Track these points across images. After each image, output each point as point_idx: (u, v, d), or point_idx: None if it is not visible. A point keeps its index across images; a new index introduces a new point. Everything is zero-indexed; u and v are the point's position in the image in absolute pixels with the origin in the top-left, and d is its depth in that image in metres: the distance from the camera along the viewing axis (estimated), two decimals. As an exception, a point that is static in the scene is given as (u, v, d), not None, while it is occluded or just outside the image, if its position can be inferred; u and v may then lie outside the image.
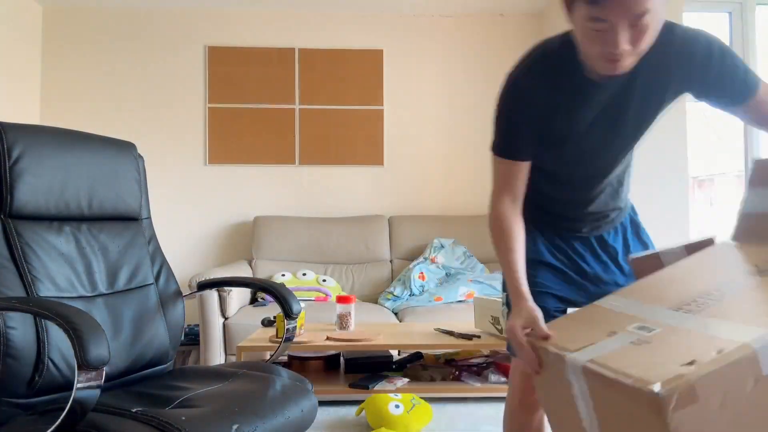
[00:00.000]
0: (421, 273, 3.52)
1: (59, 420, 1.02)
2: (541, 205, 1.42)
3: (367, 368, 2.74)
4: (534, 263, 1.36)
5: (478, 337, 2.54)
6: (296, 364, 2.77)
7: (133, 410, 1.16)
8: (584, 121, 1.25)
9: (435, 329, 2.70)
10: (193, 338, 3.32)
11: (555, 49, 1.22)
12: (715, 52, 1.21)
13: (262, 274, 3.64)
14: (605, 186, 1.38)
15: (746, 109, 1.24)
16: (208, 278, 2.32)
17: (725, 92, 1.24)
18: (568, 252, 1.43)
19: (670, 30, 1.22)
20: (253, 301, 3.41)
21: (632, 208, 1.53)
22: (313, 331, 2.60)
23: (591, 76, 1.19)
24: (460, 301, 3.34)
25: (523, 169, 1.29)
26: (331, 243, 3.77)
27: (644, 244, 1.48)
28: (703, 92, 1.25)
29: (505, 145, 1.29)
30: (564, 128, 1.26)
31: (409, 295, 3.44)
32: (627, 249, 1.44)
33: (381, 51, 4.07)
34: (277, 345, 1.76)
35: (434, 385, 2.62)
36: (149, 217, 1.72)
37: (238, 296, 3.20)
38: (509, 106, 1.27)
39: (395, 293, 3.46)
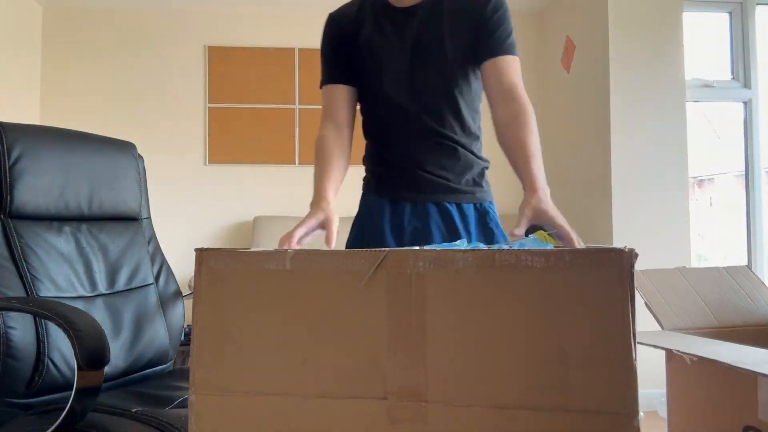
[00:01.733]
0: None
1: (59, 420, 1.02)
2: (381, 159, 1.44)
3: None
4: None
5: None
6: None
7: (133, 410, 1.16)
8: (397, 44, 1.34)
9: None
10: (193, 338, 3.32)
11: None
12: (492, 4, 1.35)
13: (262, 274, 3.63)
14: (433, 134, 1.35)
15: (485, 70, 1.33)
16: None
17: (484, 43, 1.33)
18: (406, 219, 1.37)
19: None
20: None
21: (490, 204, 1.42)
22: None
23: (397, 4, 1.34)
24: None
25: (342, 93, 1.38)
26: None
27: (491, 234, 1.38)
28: (474, 40, 1.34)
29: (323, 75, 1.41)
30: (379, 51, 1.35)
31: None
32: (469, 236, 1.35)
33: (381, 51, 4.07)
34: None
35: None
36: (149, 217, 1.72)
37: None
38: (324, 38, 1.43)
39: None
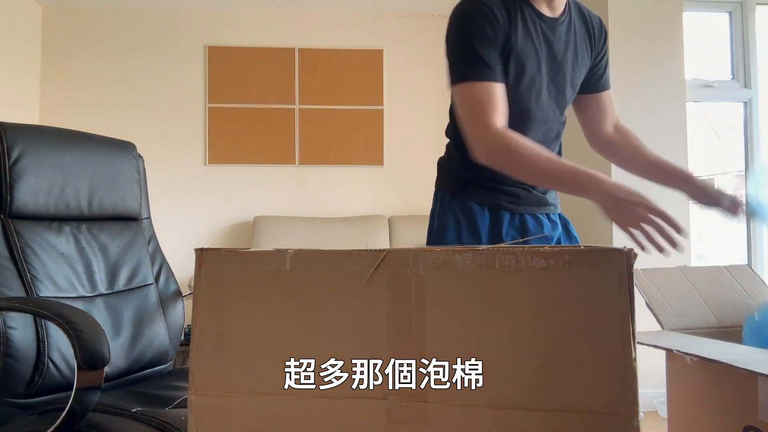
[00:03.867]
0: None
1: (59, 420, 1.02)
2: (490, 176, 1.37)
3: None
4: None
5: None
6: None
7: (133, 410, 1.16)
8: (534, 54, 1.29)
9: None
10: (193, 338, 3.32)
11: None
12: (607, 35, 1.42)
13: (262, 274, 3.63)
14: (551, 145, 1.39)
15: (591, 102, 1.44)
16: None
17: (596, 76, 1.43)
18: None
19: (579, 4, 1.41)
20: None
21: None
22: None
23: (539, 7, 1.30)
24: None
25: (500, 91, 1.23)
26: (331, 243, 3.77)
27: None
28: (591, 65, 1.41)
29: (481, 69, 1.23)
30: (521, 57, 1.27)
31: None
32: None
33: (381, 51, 4.07)
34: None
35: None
36: (149, 217, 1.72)
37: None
38: (481, 31, 1.24)
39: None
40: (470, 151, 1.26)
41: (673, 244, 1.04)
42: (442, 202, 1.40)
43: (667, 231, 1.04)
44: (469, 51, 1.24)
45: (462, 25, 1.27)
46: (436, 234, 1.39)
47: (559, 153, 1.45)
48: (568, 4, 1.34)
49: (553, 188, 1.39)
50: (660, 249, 1.05)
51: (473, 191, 1.36)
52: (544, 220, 1.40)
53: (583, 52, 1.37)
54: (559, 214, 1.46)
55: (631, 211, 1.06)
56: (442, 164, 1.49)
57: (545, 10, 1.30)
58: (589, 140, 1.54)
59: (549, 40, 1.31)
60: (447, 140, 1.50)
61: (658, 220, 1.05)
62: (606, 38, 1.42)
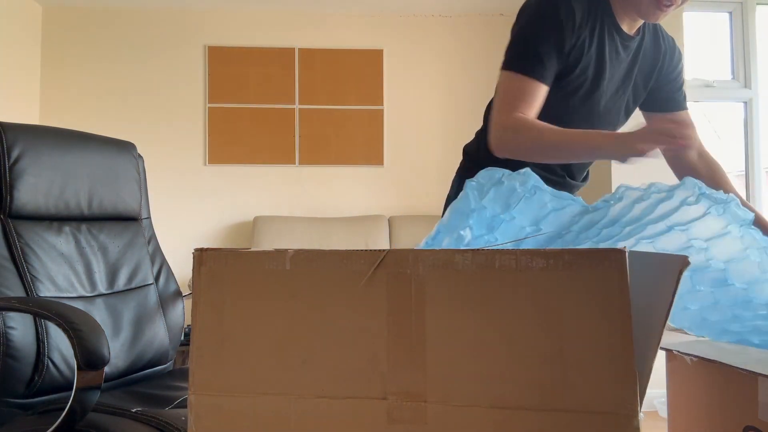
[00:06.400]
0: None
1: (59, 420, 1.02)
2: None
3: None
4: None
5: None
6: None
7: (133, 410, 1.16)
8: (603, 68, 1.28)
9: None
10: (193, 338, 3.32)
11: None
12: (681, 58, 1.44)
13: (262, 274, 3.64)
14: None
15: (676, 118, 1.40)
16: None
17: (667, 95, 1.43)
18: None
19: (657, 25, 1.41)
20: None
21: None
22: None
23: (620, 22, 1.28)
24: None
25: (542, 92, 1.22)
26: (331, 243, 3.77)
27: None
28: (655, 86, 1.41)
29: (535, 65, 1.21)
30: (588, 68, 1.26)
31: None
32: None
33: (381, 51, 4.07)
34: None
35: None
36: (149, 217, 1.72)
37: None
38: (542, 22, 1.22)
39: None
40: (488, 137, 1.26)
41: (688, 144, 1.06)
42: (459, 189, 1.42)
43: (678, 136, 1.06)
44: (532, 44, 1.22)
45: (540, 14, 1.23)
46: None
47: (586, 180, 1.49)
48: (644, 25, 1.35)
49: (567, 159, 1.33)
50: (686, 146, 1.06)
51: None
52: None
53: (651, 73, 1.39)
54: None
55: (644, 140, 1.08)
56: (469, 152, 1.45)
57: (625, 26, 1.30)
58: (671, 167, 1.48)
59: (620, 56, 1.31)
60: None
61: (665, 133, 1.07)
62: (680, 58, 1.44)
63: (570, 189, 1.41)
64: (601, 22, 1.26)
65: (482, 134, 1.38)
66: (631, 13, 1.27)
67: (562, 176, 1.39)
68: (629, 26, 1.30)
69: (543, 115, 1.25)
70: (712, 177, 1.42)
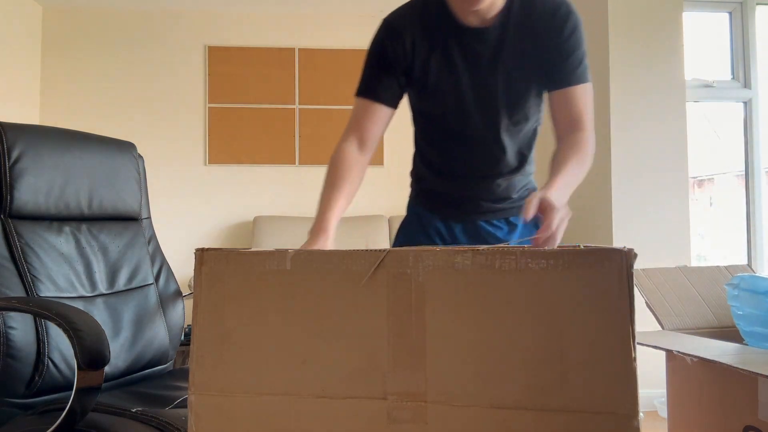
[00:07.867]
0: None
1: (59, 420, 1.02)
2: (430, 187, 1.48)
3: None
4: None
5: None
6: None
7: (133, 410, 1.16)
8: (456, 69, 1.25)
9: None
10: (193, 338, 3.32)
11: None
12: (566, 21, 1.21)
13: (262, 274, 3.64)
14: (494, 166, 1.35)
15: (554, 98, 1.26)
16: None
17: (556, 69, 1.24)
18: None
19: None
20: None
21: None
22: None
23: (465, 21, 1.22)
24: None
25: (378, 112, 1.28)
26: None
27: None
28: (544, 62, 1.24)
29: (364, 85, 1.31)
30: (437, 73, 1.26)
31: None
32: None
33: (381, 51, 4.07)
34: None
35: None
36: (149, 217, 1.72)
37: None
38: (376, 46, 1.31)
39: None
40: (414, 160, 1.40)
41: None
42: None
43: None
44: (368, 65, 1.32)
45: (377, 35, 1.31)
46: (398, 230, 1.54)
47: (519, 169, 1.36)
48: (511, 3, 1.22)
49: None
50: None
51: (423, 201, 1.51)
52: (501, 224, 1.41)
53: (525, 50, 1.23)
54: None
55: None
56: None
57: (473, 20, 1.21)
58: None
59: (476, 49, 1.23)
60: None
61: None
62: (566, 25, 1.21)
63: (486, 183, 1.35)
64: (439, 28, 1.24)
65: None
66: (466, 6, 1.18)
67: (457, 174, 1.39)
68: (480, 19, 1.21)
69: (424, 119, 1.38)
70: (556, 161, 1.26)
